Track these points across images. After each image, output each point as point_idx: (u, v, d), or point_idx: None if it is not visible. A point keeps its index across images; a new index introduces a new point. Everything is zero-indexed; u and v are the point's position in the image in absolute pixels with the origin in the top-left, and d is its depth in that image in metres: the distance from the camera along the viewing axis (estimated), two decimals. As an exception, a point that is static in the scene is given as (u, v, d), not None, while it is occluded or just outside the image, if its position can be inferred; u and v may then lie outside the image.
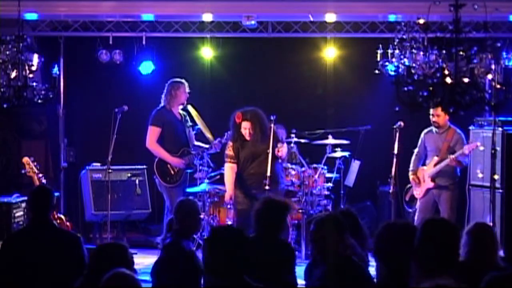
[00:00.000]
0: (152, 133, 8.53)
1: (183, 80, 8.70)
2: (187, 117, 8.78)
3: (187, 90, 8.68)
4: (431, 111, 8.24)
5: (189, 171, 8.67)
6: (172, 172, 8.54)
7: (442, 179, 8.43)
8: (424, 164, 8.63)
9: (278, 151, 7.86)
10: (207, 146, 8.69)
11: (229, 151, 8.11)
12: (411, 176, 8.60)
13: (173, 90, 8.60)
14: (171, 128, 8.58)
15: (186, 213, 5.63)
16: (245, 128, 7.96)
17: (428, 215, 8.34)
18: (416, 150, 8.68)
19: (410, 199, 8.70)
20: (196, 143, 8.80)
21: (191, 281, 5.24)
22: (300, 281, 5.50)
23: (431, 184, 8.44)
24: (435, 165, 8.42)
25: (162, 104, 8.64)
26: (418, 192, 8.57)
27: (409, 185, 8.71)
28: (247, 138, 7.97)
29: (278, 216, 5.46)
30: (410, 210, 8.67)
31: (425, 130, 8.62)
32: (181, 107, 8.72)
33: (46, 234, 5.21)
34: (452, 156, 8.26)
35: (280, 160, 8.03)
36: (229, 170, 8.09)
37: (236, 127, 8.02)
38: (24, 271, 5.06)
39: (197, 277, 5.25)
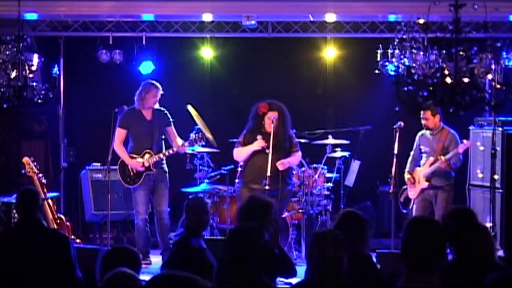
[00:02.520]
0: (117, 134, 8.45)
1: (156, 84, 8.52)
2: (166, 116, 8.52)
3: (158, 94, 8.45)
4: (421, 114, 8.26)
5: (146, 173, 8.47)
6: (132, 173, 8.47)
7: (438, 179, 8.39)
8: (419, 165, 8.62)
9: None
10: (175, 149, 8.44)
11: (241, 139, 8.04)
12: (406, 177, 8.57)
13: (143, 92, 8.47)
14: (135, 130, 8.47)
15: (195, 210, 5.68)
16: (270, 118, 7.85)
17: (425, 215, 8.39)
18: (412, 152, 8.66)
19: (404, 201, 8.64)
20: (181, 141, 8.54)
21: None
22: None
23: (425, 185, 8.40)
24: (430, 165, 8.40)
25: (134, 105, 8.54)
26: (412, 193, 8.53)
27: (404, 187, 8.68)
28: (270, 128, 7.83)
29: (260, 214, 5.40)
30: (405, 211, 8.63)
31: (420, 132, 8.58)
32: (156, 106, 8.50)
33: (34, 233, 5.21)
34: (443, 158, 8.22)
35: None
36: (238, 150, 8.03)
37: (258, 118, 7.92)
38: (13, 270, 5.06)
39: (209, 274, 5.24)
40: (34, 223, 5.27)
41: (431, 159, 8.41)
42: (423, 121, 8.41)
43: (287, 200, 8.26)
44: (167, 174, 8.55)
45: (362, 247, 4.83)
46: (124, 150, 8.49)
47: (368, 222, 5.04)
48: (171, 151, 8.46)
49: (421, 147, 8.58)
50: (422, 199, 8.48)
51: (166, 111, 8.58)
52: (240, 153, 8.05)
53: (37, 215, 5.31)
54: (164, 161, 8.54)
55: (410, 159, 8.66)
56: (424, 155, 8.54)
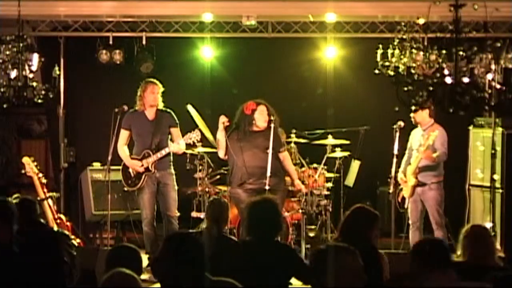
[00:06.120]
0: (120, 136, 8.38)
1: (153, 80, 8.43)
2: (171, 117, 8.38)
3: (156, 90, 8.32)
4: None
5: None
6: (132, 175, 8.39)
7: (424, 176, 8.24)
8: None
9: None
10: (169, 149, 8.29)
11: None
12: (399, 176, 8.46)
13: (140, 91, 8.38)
14: (137, 130, 8.38)
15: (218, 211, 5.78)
16: (261, 112, 7.81)
17: (418, 214, 8.28)
18: (407, 151, 8.57)
19: (402, 201, 8.55)
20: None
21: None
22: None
23: (413, 182, 8.27)
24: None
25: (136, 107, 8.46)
26: (406, 192, 8.42)
27: (400, 187, 8.60)
28: (265, 121, 7.80)
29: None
30: (402, 210, 8.58)
31: (413, 130, 8.52)
32: (161, 106, 8.38)
33: (38, 235, 5.20)
34: (422, 149, 8.14)
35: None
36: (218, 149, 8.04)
37: (246, 118, 7.87)
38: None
39: None
40: (38, 226, 5.28)
41: (417, 155, 8.35)
42: (411, 114, 8.29)
43: (283, 198, 8.17)
44: (174, 177, 8.39)
45: None
46: (125, 151, 8.42)
47: None
48: (167, 150, 8.27)
49: (412, 145, 8.51)
50: (413, 198, 8.36)
51: (172, 113, 8.43)
52: (218, 148, 8.02)
53: (37, 219, 5.32)
54: (171, 163, 8.41)
55: (405, 158, 8.56)
56: (413, 153, 8.46)
